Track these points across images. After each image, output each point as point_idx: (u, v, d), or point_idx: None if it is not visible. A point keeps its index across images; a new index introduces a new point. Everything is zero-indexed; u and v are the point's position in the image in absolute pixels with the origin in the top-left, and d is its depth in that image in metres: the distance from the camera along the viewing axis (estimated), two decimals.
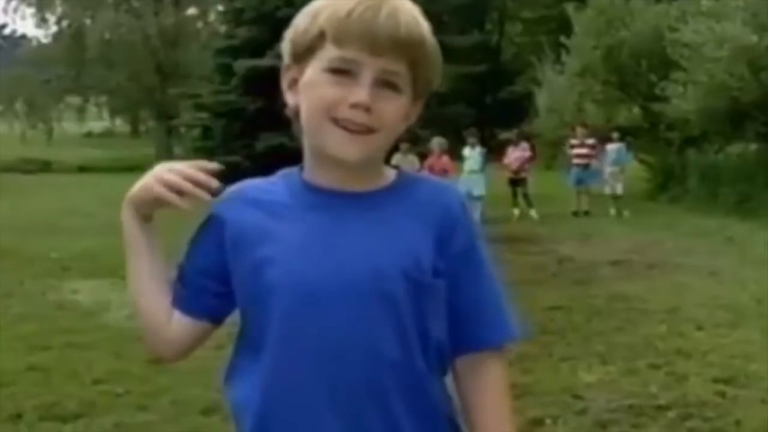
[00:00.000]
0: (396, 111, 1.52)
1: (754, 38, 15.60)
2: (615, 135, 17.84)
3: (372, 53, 1.48)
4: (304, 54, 1.54)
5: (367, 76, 1.48)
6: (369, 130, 1.50)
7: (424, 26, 1.55)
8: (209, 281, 1.63)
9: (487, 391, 1.63)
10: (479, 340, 1.63)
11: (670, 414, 5.06)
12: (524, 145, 17.91)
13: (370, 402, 1.51)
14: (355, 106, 1.48)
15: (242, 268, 1.57)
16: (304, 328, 1.51)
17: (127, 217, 1.63)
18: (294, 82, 1.57)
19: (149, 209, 1.63)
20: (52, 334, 7.11)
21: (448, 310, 1.58)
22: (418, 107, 1.61)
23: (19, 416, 5.11)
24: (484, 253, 1.65)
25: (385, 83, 1.50)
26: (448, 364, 1.62)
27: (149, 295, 1.64)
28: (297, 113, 1.57)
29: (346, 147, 1.50)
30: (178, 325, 1.65)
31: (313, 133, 1.55)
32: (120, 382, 5.78)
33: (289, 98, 1.59)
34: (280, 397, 1.53)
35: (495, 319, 1.65)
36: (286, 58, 1.59)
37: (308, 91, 1.53)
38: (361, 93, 1.48)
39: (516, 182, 17.18)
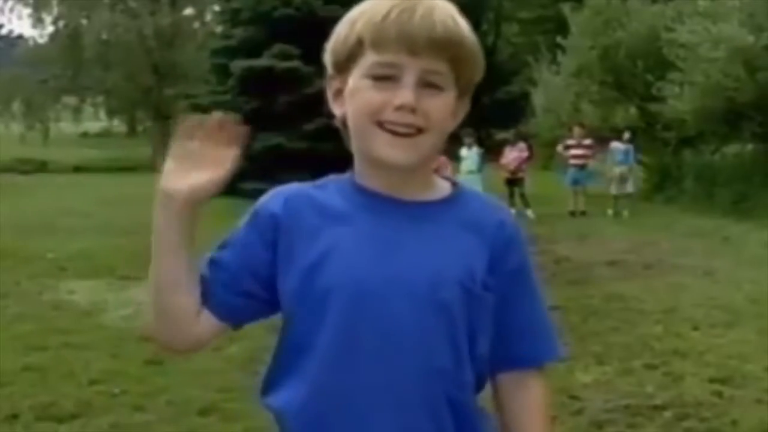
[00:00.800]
0: (442, 108, 1.52)
1: (751, 39, 15.61)
2: (626, 135, 17.73)
3: (411, 54, 1.47)
4: (345, 63, 1.53)
5: (409, 78, 1.48)
6: (418, 131, 1.49)
7: (462, 24, 1.54)
8: (251, 283, 1.58)
9: (530, 408, 1.64)
10: (525, 358, 1.64)
11: (667, 414, 5.07)
12: (521, 145, 17.95)
13: (422, 411, 1.51)
14: (400, 107, 1.47)
15: (295, 269, 1.54)
16: (360, 331, 1.49)
17: (170, 210, 1.58)
18: (339, 93, 1.56)
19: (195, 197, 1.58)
20: (49, 335, 7.10)
21: (495, 326, 1.59)
22: (465, 104, 1.61)
23: (15, 416, 5.10)
24: (533, 274, 1.67)
25: (427, 84, 1.49)
26: (485, 381, 1.63)
27: (185, 290, 1.58)
28: (344, 123, 1.56)
29: (394, 150, 1.49)
30: (206, 322, 1.60)
31: (361, 140, 1.53)
32: (117, 382, 5.78)
33: (336, 109, 1.58)
34: (331, 401, 1.51)
35: (541, 338, 1.66)
36: (330, 69, 1.58)
37: (353, 98, 1.52)
38: (405, 94, 1.47)
39: (513, 182, 17.20)
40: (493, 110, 37.24)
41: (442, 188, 1.62)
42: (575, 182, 17.23)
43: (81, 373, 5.99)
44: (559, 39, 22.00)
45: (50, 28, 45.13)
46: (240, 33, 22.80)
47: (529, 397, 1.64)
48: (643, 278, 9.74)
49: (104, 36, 41.63)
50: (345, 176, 1.62)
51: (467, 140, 16.48)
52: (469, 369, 1.55)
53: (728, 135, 18.82)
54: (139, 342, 6.84)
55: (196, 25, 45.49)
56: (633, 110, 22.56)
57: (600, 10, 20.67)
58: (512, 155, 17.44)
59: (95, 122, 53.17)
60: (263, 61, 20.86)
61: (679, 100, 17.43)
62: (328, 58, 1.57)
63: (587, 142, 17.76)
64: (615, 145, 17.73)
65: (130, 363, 6.25)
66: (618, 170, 17.15)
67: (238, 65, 21.51)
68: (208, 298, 1.59)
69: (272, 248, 1.56)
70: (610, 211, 16.78)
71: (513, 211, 16.68)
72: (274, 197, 1.61)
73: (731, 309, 7.95)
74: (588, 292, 8.87)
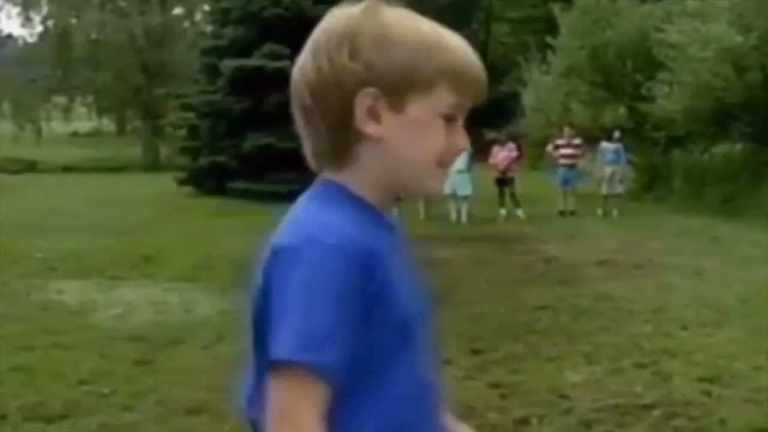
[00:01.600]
0: None
1: (739, 39, 15.68)
2: (616, 134, 17.75)
3: (475, 101, 1.52)
4: (404, 89, 1.46)
5: (461, 120, 1.51)
6: None
7: None
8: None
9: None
10: None
11: (655, 413, 5.08)
12: (510, 145, 17.97)
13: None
14: (460, 151, 1.52)
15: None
16: (416, 363, 1.51)
17: None
18: (373, 111, 1.46)
19: None
20: (37, 335, 7.08)
21: None
22: None
23: (3, 417, 5.09)
24: None
25: None
26: None
27: None
28: (373, 142, 1.47)
29: (441, 184, 1.54)
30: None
31: (414, 176, 1.50)
32: (105, 382, 5.77)
33: (371, 128, 1.46)
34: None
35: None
36: (375, 86, 1.45)
37: (420, 133, 1.47)
38: (465, 140, 1.52)
39: (503, 182, 17.22)
40: (482, 110, 37.25)
41: None
42: (565, 182, 17.26)
43: (70, 373, 5.97)
44: (548, 39, 22.06)
45: (39, 28, 45.08)
46: (230, 33, 22.76)
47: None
48: (633, 278, 9.76)
49: (94, 35, 41.61)
50: (342, 193, 1.49)
51: None
52: None
53: (717, 135, 18.89)
54: (128, 342, 6.84)
55: (186, 24, 45.48)
56: (622, 110, 22.62)
57: (589, 10, 20.74)
58: (501, 155, 17.46)
59: (85, 122, 53.03)
60: (253, 61, 20.84)
61: (668, 100, 17.50)
62: (378, 73, 1.45)
63: (577, 141, 17.80)
64: (605, 145, 17.77)
65: (118, 363, 6.24)
66: (608, 170, 17.18)
67: (228, 65, 21.49)
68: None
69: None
70: (599, 211, 16.81)
71: (503, 211, 16.73)
72: (352, 264, 1.39)
73: (720, 308, 7.98)
74: (577, 292, 8.88)
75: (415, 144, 1.47)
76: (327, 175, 1.51)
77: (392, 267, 1.44)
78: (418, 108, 1.46)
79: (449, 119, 1.48)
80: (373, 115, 1.46)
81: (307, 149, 1.53)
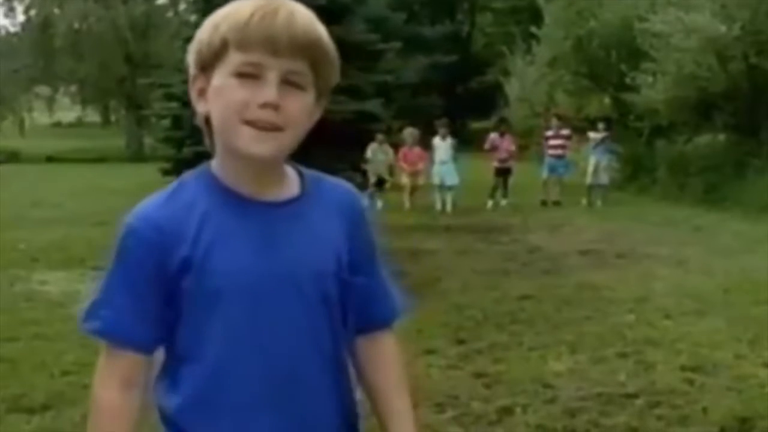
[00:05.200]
0: (302, 108, 1.61)
1: (723, 29, 15.71)
2: (600, 125, 17.66)
3: (274, 55, 1.56)
4: (210, 63, 1.61)
5: (272, 77, 1.56)
6: (277, 128, 1.57)
7: (321, 28, 1.62)
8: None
9: (387, 364, 1.80)
10: (378, 320, 1.81)
11: (638, 402, 5.10)
12: (509, 137, 17.93)
13: (300, 389, 1.65)
14: (264, 105, 1.56)
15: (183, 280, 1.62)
16: (250, 326, 1.61)
17: None
18: (202, 92, 1.64)
19: None
20: (20, 326, 7.05)
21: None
22: (321, 105, 1.69)
23: None
24: (377, 244, 1.81)
25: (290, 83, 1.58)
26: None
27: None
28: (207, 121, 1.65)
29: (257, 144, 1.57)
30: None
31: (226, 136, 1.61)
32: (88, 373, 5.65)
33: (200, 107, 1.65)
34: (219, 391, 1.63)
35: (389, 302, 1.82)
36: (193, 69, 1.65)
37: (218, 96, 1.60)
38: (268, 92, 1.56)
39: (504, 171, 17.14)
40: (467, 100, 37.34)
41: (294, 179, 1.71)
42: (552, 171, 17.26)
43: (53, 364, 5.94)
44: (533, 29, 22.08)
45: (21, 17, 44.75)
46: None
47: (385, 355, 1.80)
48: (616, 268, 9.79)
49: (76, 25, 41.30)
50: (203, 173, 1.69)
51: (441, 130, 16.52)
52: (344, 348, 1.73)
53: (700, 125, 18.96)
54: None
55: (170, 14, 45.16)
56: (606, 100, 22.68)
57: (573, 1, 20.74)
58: (503, 145, 17.40)
59: (68, 112, 52.75)
60: None
61: (652, 90, 17.53)
62: (191, 58, 1.65)
63: (565, 132, 17.84)
64: (593, 135, 17.77)
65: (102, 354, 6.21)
66: (593, 160, 17.20)
67: None
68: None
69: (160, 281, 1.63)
70: (583, 201, 16.84)
71: (491, 202, 16.73)
72: (142, 228, 1.66)
73: (702, 298, 8.01)
74: (561, 282, 8.91)
75: (217, 106, 1.61)
76: None
77: (210, 239, 1.59)
78: (217, 76, 1.60)
79: (244, 76, 1.57)
80: (200, 95, 1.65)
81: None
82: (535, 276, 9.24)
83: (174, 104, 24.86)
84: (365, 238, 1.77)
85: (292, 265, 1.62)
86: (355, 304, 1.73)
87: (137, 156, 34.47)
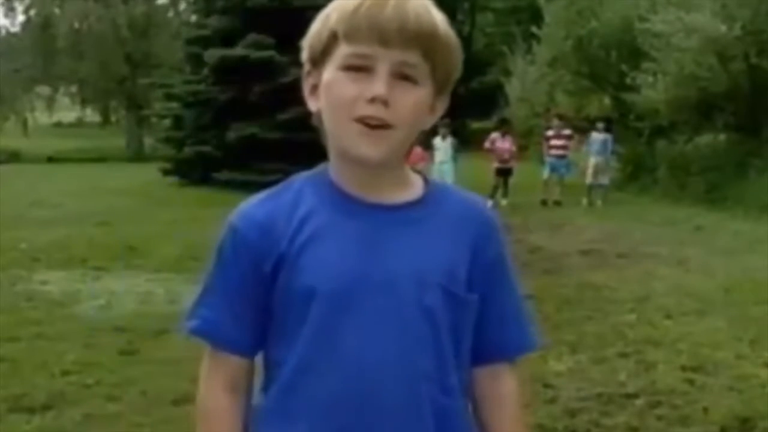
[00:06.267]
0: (415, 104, 1.49)
1: (723, 28, 15.70)
2: (600, 125, 17.67)
3: (383, 46, 1.45)
4: (320, 57, 1.52)
5: (382, 70, 1.46)
6: (386, 126, 1.46)
7: (437, 16, 1.50)
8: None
9: (507, 401, 1.66)
10: (502, 350, 1.66)
11: (639, 402, 5.11)
12: (510, 138, 17.93)
13: (404, 415, 1.51)
14: (372, 100, 1.45)
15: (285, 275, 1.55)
16: (341, 333, 1.50)
17: None
18: (314, 88, 1.55)
19: None
20: (21, 326, 7.05)
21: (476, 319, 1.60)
22: (443, 100, 1.58)
23: None
24: (510, 265, 1.68)
25: (401, 76, 1.47)
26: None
27: None
28: (320, 118, 1.54)
29: (365, 146, 1.47)
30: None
31: (335, 134, 1.52)
32: (90, 373, 5.75)
33: (312, 104, 1.56)
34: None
35: (517, 329, 1.68)
36: (306, 65, 1.56)
37: (327, 92, 1.50)
38: (377, 86, 1.45)
39: (505, 172, 17.15)
40: (467, 100, 37.30)
41: (416, 185, 1.60)
42: (553, 171, 17.26)
43: (54, 364, 5.95)
44: (533, 29, 22.06)
45: (22, 17, 44.76)
46: (214, 22, 22.68)
47: (504, 390, 1.66)
48: (616, 267, 9.79)
49: (77, 25, 41.32)
50: (316, 173, 1.60)
51: (441, 130, 16.50)
52: (454, 372, 1.55)
53: (701, 125, 18.93)
54: (112, 332, 6.82)
55: (170, 14, 45.22)
56: (607, 100, 22.67)
57: (574, 0, 20.73)
58: (505, 146, 17.40)
59: (69, 112, 52.74)
60: (238, 51, 20.76)
61: (652, 90, 17.52)
62: (304, 54, 1.56)
63: (567, 132, 17.84)
64: (594, 135, 17.76)
65: (103, 353, 6.22)
66: (593, 160, 17.20)
67: (213, 55, 21.40)
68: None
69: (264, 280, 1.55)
70: (584, 201, 16.84)
71: (490, 202, 16.73)
72: (242, 227, 1.57)
73: (703, 298, 8.01)
74: (561, 282, 8.91)
75: (326, 103, 1.52)
76: None
77: (307, 236, 1.51)
78: (327, 71, 1.52)
79: (353, 69, 1.48)
80: (312, 92, 1.57)
81: None
82: (536, 276, 9.23)
83: (174, 104, 24.95)
84: (493, 255, 1.62)
85: (391, 272, 1.50)
86: (473, 326, 1.59)
87: (137, 156, 34.52)
